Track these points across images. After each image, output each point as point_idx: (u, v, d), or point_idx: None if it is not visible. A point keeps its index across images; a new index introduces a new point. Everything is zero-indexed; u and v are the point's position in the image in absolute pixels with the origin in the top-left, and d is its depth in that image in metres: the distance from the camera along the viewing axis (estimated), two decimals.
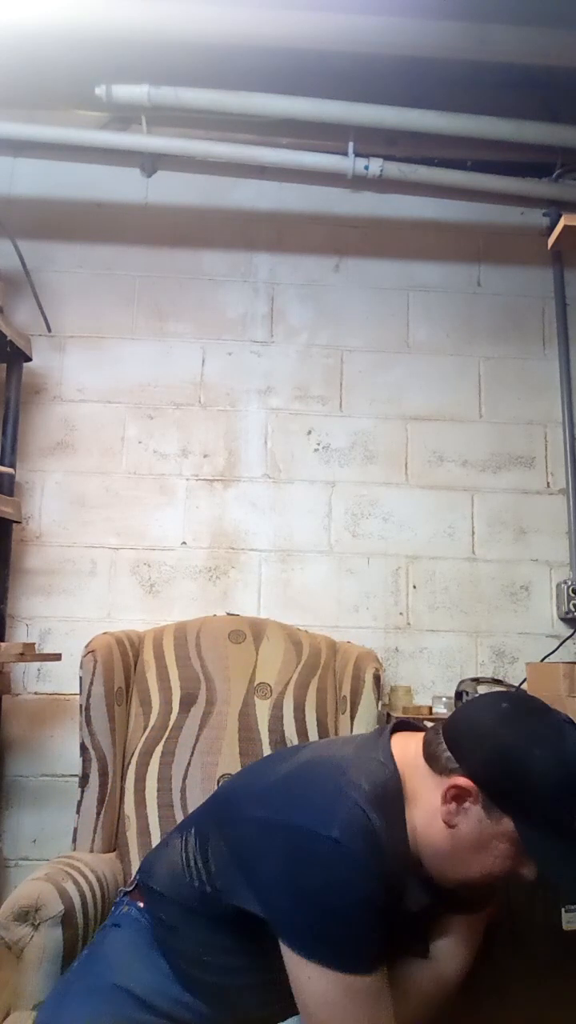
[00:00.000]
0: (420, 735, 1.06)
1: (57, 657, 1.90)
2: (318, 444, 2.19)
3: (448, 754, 0.97)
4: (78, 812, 1.57)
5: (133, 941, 1.14)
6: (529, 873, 0.95)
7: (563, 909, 1.36)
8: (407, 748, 1.04)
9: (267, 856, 0.98)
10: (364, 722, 1.64)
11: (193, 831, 1.14)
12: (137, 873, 1.24)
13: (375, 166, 2.13)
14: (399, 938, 1.00)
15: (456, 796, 0.95)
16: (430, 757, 1.00)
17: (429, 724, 1.13)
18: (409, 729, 1.12)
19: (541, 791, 0.92)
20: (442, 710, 1.94)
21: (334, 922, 0.91)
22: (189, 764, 1.60)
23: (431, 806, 0.97)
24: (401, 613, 2.12)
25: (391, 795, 0.99)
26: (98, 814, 1.55)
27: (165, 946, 1.11)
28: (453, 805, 0.95)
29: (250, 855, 1.01)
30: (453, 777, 0.95)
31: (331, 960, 0.90)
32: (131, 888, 1.22)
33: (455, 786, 0.94)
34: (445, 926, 1.08)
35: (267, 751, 1.62)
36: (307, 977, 0.92)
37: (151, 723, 1.66)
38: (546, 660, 2.04)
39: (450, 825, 0.95)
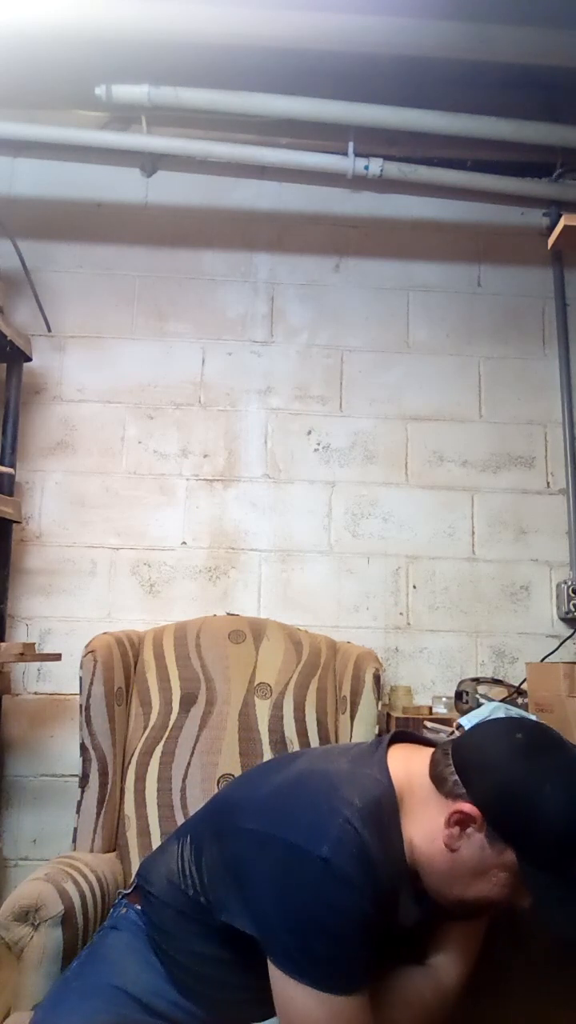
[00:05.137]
0: (424, 750, 1.05)
1: (57, 657, 1.90)
2: (318, 444, 2.19)
3: (456, 778, 0.96)
4: (78, 812, 1.57)
5: (131, 944, 1.14)
6: (525, 903, 0.95)
7: None
8: (409, 762, 1.03)
9: (258, 871, 0.97)
10: (364, 722, 1.63)
11: (189, 838, 1.14)
12: (136, 876, 1.24)
13: (375, 166, 2.14)
14: (395, 949, 1.00)
15: (460, 821, 0.94)
16: (436, 778, 0.99)
17: (427, 734, 1.12)
18: (409, 740, 1.11)
19: (549, 831, 0.91)
20: (442, 710, 1.94)
21: (322, 942, 0.90)
22: (189, 764, 1.60)
23: (433, 826, 0.97)
24: (401, 613, 2.12)
25: (385, 811, 0.98)
26: (98, 814, 1.55)
27: (161, 951, 1.11)
28: (456, 830, 0.94)
29: (242, 868, 1.00)
30: (459, 802, 0.95)
31: (317, 980, 0.89)
32: (130, 891, 1.22)
33: (460, 811, 0.94)
34: (443, 935, 1.07)
35: (267, 751, 1.62)
36: (291, 996, 0.91)
37: (151, 723, 1.66)
38: (546, 660, 2.04)
39: (451, 849, 0.95)
